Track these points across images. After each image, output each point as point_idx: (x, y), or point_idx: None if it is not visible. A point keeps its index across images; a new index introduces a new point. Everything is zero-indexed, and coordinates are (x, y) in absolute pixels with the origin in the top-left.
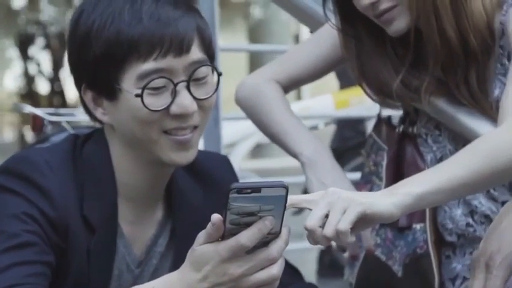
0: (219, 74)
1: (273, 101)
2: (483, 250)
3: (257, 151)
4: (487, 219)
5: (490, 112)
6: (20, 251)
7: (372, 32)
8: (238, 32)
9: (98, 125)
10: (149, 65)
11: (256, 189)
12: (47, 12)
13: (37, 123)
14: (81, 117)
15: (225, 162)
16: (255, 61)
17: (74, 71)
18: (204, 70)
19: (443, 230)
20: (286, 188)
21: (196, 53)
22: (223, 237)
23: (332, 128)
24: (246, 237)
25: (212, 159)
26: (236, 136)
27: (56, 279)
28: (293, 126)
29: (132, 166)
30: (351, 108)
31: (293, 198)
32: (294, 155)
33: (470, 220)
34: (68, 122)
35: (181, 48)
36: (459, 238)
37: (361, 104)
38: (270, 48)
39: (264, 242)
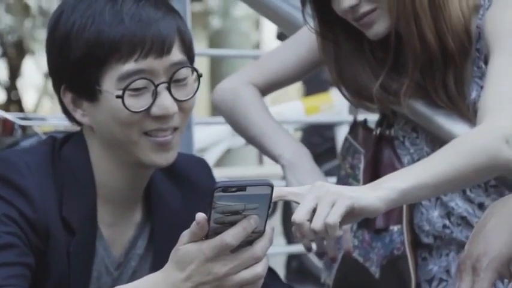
0: (200, 76)
1: (251, 104)
2: (469, 252)
3: (223, 160)
4: (464, 220)
5: (467, 114)
6: (1, 253)
7: (351, 35)
8: (197, 42)
9: (71, 129)
10: (130, 66)
11: (241, 187)
12: (4, 20)
13: (7, 127)
14: (52, 121)
15: (203, 164)
16: (216, 69)
17: (54, 72)
18: (185, 72)
19: (419, 232)
20: (271, 186)
21: (177, 54)
22: (208, 236)
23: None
24: (231, 235)
25: (190, 162)
26: (207, 141)
27: (36, 281)
28: (272, 129)
29: (111, 168)
30: (320, 114)
31: (280, 190)
32: (274, 157)
33: (447, 222)
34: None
35: (162, 49)
36: (435, 240)
37: (330, 109)
38: (232, 54)
39: (248, 241)
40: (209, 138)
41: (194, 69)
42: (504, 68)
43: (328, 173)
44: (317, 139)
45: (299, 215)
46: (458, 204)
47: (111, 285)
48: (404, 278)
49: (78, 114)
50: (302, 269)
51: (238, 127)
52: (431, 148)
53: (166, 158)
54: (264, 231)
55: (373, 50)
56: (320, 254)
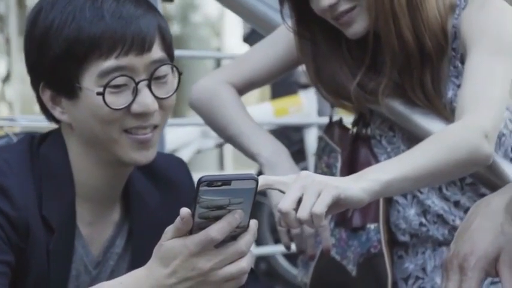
0: (180, 74)
1: (229, 103)
2: (455, 252)
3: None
4: (440, 218)
5: (444, 113)
6: None
7: (328, 34)
8: None
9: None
10: (110, 63)
11: (226, 181)
12: None
13: None
14: (22, 122)
15: (181, 164)
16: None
17: (32, 70)
18: (165, 69)
19: (396, 230)
20: (256, 180)
21: (157, 52)
22: (192, 231)
23: None
24: (216, 230)
25: (168, 161)
26: (177, 143)
27: (16, 279)
28: (250, 127)
29: (90, 166)
30: (289, 116)
31: (266, 179)
32: (252, 156)
33: (423, 220)
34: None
35: (143, 46)
36: (412, 238)
37: (299, 112)
38: (196, 54)
39: (232, 236)
40: (180, 139)
41: (175, 67)
42: (481, 66)
43: None
44: (284, 142)
45: (285, 204)
46: (435, 202)
47: (89, 284)
48: (380, 276)
49: (57, 112)
50: (270, 272)
51: (216, 126)
52: (408, 146)
53: (146, 156)
54: (248, 226)
55: (350, 49)
56: (303, 252)
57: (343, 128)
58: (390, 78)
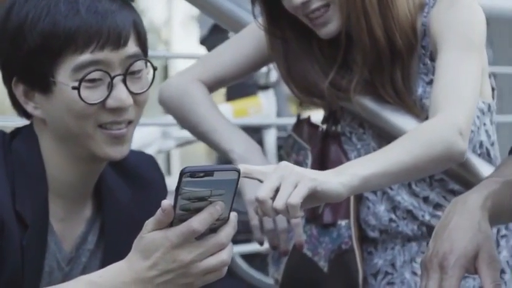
0: (155, 69)
1: (200, 101)
2: (435, 251)
3: None
4: (409, 214)
5: (414, 109)
6: None
7: (299, 33)
8: None
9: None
10: (86, 57)
11: (209, 172)
12: None
13: None
14: None
15: (152, 161)
16: None
17: (5, 64)
18: (140, 64)
19: (365, 227)
20: (238, 171)
21: (132, 47)
22: (172, 223)
23: None
24: (198, 221)
25: (139, 158)
26: (138, 143)
27: None
28: (223, 124)
29: (63, 161)
30: (249, 117)
31: (245, 168)
32: (225, 152)
33: (393, 216)
34: None
35: (118, 41)
36: (381, 234)
37: (258, 113)
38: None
39: (212, 228)
40: (140, 140)
41: (149, 62)
42: (452, 64)
43: None
44: None
45: (262, 192)
46: (404, 198)
47: (61, 281)
48: (351, 272)
49: (30, 107)
50: (228, 272)
51: (187, 124)
52: (378, 143)
53: (120, 151)
54: (228, 218)
55: (321, 47)
56: (276, 247)
57: (313, 126)
58: (361, 75)
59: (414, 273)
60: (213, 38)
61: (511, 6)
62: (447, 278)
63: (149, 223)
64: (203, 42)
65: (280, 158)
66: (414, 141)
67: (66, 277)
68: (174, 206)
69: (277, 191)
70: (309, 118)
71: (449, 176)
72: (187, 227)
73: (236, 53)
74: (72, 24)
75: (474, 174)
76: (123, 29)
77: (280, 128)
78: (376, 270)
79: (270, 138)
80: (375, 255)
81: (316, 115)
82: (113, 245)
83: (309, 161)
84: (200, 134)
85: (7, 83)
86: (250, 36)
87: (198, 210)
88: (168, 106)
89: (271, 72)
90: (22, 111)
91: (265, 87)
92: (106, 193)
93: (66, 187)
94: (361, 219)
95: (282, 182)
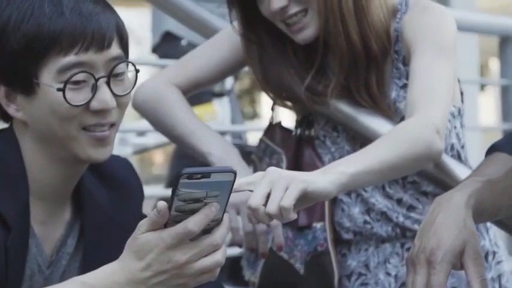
0: (137, 71)
1: (177, 104)
2: (422, 247)
3: None
4: (383, 216)
5: (389, 113)
6: None
7: (274, 38)
8: None
9: None
10: (70, 59)
11: (206, 174)
12: None
13: None
14: None
15: (128, 164)
16: None
17: None
18: (122, 67)
19: (340, 229)
20: (234, 173)
21: (115, 49)
22: (166, 224)
23: None
24: (193, 222)
25: (115, 161)
26: None
27: None
28: (199, 127)
29: (45, 163)
30: None
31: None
32: (202, 154)
33: (367, 217)
34: None
35: (103, 43)
36: (355, 236)
37: (213, 120)
38: None
39: (205, 229)
40: None
41: (132, 64)
42: (427, 66)
43: None
44: None
45: (254, 200)
46: (378, 200)
47: (42, 284)
48: (327, 274)
49: (11, 109)
50: None
51: (163, 127)
52: (352, 146)
53: (103, 153)
54: (221, 219)
55: (296, 52)
56: (253, 249)
57: (285, 130)
58: (339, 79)
59: (388, 274)
60: (165, 45)
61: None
62: (435, 273)
63: (143, 224)
64: (155, 50)
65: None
66: (396, 139)
67: (47, 280)
68: (170, 207)
69: (268, 196)
70: (280, 122)
71: (425, 176)
72: (183, 228)
73: (211, 56)
74: (57, 26)
75: (449, 174)
76: (107, 31)
77: (234, 134)
78: (349, 271)
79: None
80: (348, 257)
81: (285, 119)
82: (92, 248)
83: (284, 165)
84: (176, 137)
85: None
86: (225, 40)
87: (192, 211)
88: (143, 109)
89: (226, 80)
90: (1, 114)
91: (219, 95)
92: (85, 196)
93: (47, 189)
94: (335, 221)
95: (272, 187)
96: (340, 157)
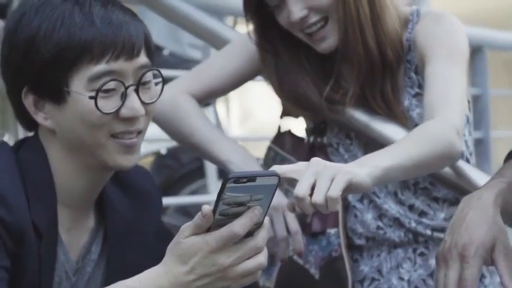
0: (163, 80)
1: (193, 113)
2: (453, 242)
3: None
4: (396, 221)
5: (403, 120)
6: None
7: (289, 47)
8: None
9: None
10: (101, 67)
11: (252, 178)
12: None
13: None
14: None
15: (146, 173)
16: None
17: (14, 76)
18: (150, 75)
19: (352, 235)
20: (279, 177)
21: (143, 57)
22: (210, 228)
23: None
24: (239, 226)
25: (134, 170)
26: None
27: (10, 286)
28: (217, 136)
29: (72, 171)
30: None
31: (280, 168)
32: (221, 162)
33: (380, 223)
34: None
35: (132, 51)
36: (368, 241)
37: None
38: None
39: (247, 232)
40: None
41: (159, 73)
42: (443, 72)
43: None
44: (185, 159)
45: (302, 190)
46: (391, 207)
47: None
48: (341, 278)
49: (39, 118)
50: None
51: (180, 135)
52: (364, 153)
53: (131, 160)
54: (262, 222)
55: (310, 60)
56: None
57: (296, 138)
58: (356, 88)
59: (401, 279)
60: None
61: None
62: (468, 267)
63: (186, 228)
64: None
65: (221, 174)
66: (421, 138)
67: (73, 287)
68: (214, 211)
69: (313, 187)
70: (290, 130)
71: (441, 180)
72: (228, 231)
73: (225, 65)
74: (88, 35)
75: (464, 177)
76: (136, 40)
77: None
78: (362, 276)
79: None
80: (360, 262)
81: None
82: (115, 255)
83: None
84: (194, 145)
85: (15, 93)
86: (238, 49)
87: (235, 215)
88: (160, 119)
89: None
90: (25, 123)
91: (205, 104)
92: (108, 203)
93: (73, 197)
94: (348, 227)
95: (318, 178)
96: None
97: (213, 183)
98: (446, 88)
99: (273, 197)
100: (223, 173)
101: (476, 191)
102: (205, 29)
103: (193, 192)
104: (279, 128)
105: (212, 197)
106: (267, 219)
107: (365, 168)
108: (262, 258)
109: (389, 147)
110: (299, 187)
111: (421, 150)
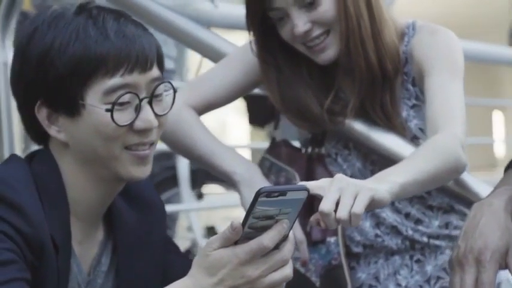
0: (175, 92)
1: (195, 125)
2: (468, 247)
3: None
4: (393, 229)
5: (401, 130)
6: (5, 268)
7: (289, 59)
8: None
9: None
10: (116, 81)
11: (283, 192)
12: None
13: None
14: None
15: (151, 185)
16: None
17: (28, 89)
18: (162, 87)
19: (350, 243)
20: (308, 191)
21: (155, 70)
22: (238, 241)
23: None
24: (268, 239)
25: (140, 182)
26: None
27: None
28: (220, 147)
29: (84, 183)
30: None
31: (306, 183)
32: (226, 173)
33: (378, 231)
34: None
35: (146, 64)
36: (365, 249)
37: None
38: None
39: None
40: None
41: (171, 84)
42: (444, 85)
43: (167, 201)
44: (156, 168)
45: (327, 206)
46: (388, 215)
47: None
48: (341, 286)
49: (53, 131)
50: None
51: (182, 148)
52: (363, 163)
53: (144, 172)
54: (288, 235)
55: (311, 73)
56: None
57: (291, 148)
58: (357, 99)
59: (398, 285)
60: None
61: None
62: (485, 271)
63: (215, 241)
64: None
65: (194, 182)
66: (432, 153)
67: None
68: (243, 224)
69: (337, 202)
70: (285, 140)
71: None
72: (258, 244)
73: (225, 77)
74: (103, 49)
75: (467, 188)
76: (149, 53)
77: None
78: (359, 283)
79: (183, 164)
80: (357, 270)
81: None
82: (124, 266)
83: (297, 182)
84: (197, 157)
85: (28, 107)
86: (238, 61)
87: (263, 228)
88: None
89: None
90: (36, 136)
91: None
92: (116, 214)
93: (85, 209)
94: (346, 235)
95: (341, 194)
96: (351, 174)
97: (186, 192)
98: (448, 101)
99: (299, 210)
100: (196, 182)
101: (485, 198)
102: (177, 29)
103: (167, 201)
104: (274, 138)
105: (185, 206)
106: (291, 232)
107: (384, 184)
108: (288, 270)
109: (402, 163)
110: (324, 203)
111: (433, 165)
